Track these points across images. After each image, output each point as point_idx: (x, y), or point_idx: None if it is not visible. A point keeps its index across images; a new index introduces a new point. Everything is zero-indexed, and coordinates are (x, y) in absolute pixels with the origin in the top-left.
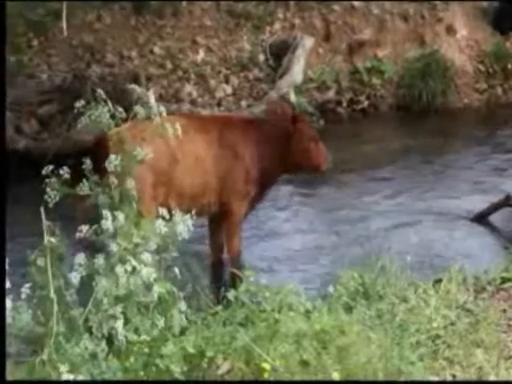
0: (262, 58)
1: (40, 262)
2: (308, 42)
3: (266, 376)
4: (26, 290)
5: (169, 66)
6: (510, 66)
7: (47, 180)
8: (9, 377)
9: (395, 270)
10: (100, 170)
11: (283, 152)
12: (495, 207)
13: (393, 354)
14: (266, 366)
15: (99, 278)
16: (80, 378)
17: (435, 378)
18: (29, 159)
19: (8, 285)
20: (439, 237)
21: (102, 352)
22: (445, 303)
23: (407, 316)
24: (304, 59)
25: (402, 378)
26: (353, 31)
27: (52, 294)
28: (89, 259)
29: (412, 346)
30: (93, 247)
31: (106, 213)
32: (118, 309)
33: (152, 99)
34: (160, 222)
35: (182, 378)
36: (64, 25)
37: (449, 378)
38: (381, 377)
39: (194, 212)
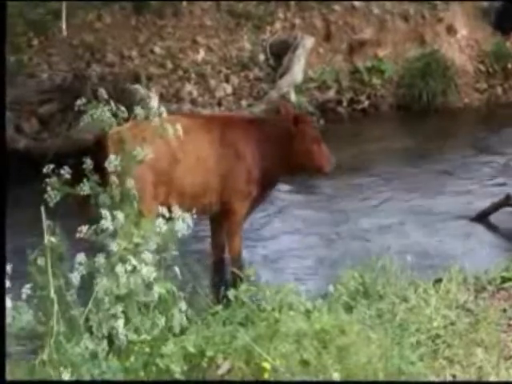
0: (262, 57)
1: (40, 261)
2: (308, 41)
3: (266, 376)
4: (26, 289)
5: (169, 65)
6: (510, 66)
7: (47, 179)
8: (9, 376)
9: (395, 269)
10: (100, 169)
11: (285, 152)
12: (495, 207)
13: (393, 354)
14: (267, 365)
15: (100, 277)
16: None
17: (435, 378)
18: (29, 159)
19: (8, 284)
20: (439, 236)
21: (102, 351)
22: (445, 303)
23: (407, 316)
24: (304, 59)
25: (402, 378)
26: (353, 31)
27: (52, 294)
28: (89, 258)
29: (412, 346)
30: (95, 247)
31: (105, 212)
32: (119, 308)
33: (155, 100)
34: (160, 220)
35: (182, 377)
36: (64, 24)
37: (449, 378)
38: (381, 376)
39: (194, 211)
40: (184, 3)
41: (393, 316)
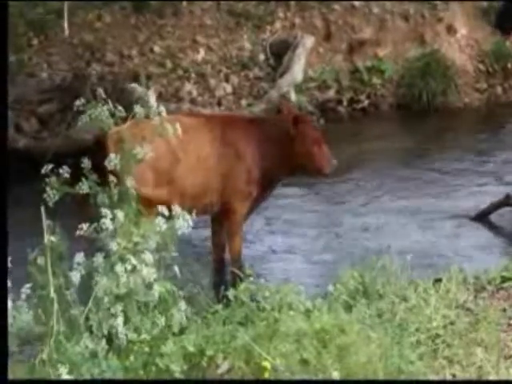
0: (262, 57)
1: (40, 261)
2: (308, 41)
3: (266, 375)
4: (26, 289)
5: (169, 65)
6: (509, 66)
7: (47, 179)
8: (10, 376)
9: (395, 269)
10: (100, 169)
11: (285, 152)
12: (495, 206)
13: (393, 353)
14: (266, 365)
15: (99, 276)
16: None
17: (435, 378)
18: (28, 158)
19: (9, 284)
20: (439, 236)
21: (102, 351)
22: (445, 302)
23: (407, 315)
24: (304, 58)
25: (402, 377)
26: (353, 30)
27: (52, 293)
28: (89, 258)
29: (412, 345)
30: (95, 246)
31: (105, 211)
32: (119, 307)
33: (152, 99)
34: (160, 219)
35: (181, 377)
36: (65, 24)
37: (449, 378)
38: (381, 376)
39: (195, 211)
40: (184, 3)
41: (392, 315)
